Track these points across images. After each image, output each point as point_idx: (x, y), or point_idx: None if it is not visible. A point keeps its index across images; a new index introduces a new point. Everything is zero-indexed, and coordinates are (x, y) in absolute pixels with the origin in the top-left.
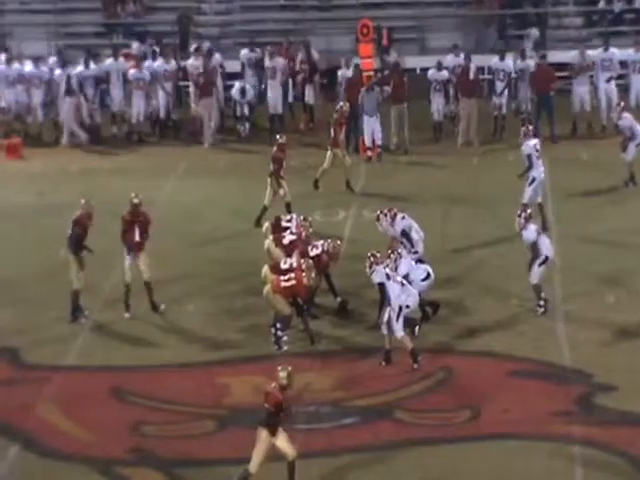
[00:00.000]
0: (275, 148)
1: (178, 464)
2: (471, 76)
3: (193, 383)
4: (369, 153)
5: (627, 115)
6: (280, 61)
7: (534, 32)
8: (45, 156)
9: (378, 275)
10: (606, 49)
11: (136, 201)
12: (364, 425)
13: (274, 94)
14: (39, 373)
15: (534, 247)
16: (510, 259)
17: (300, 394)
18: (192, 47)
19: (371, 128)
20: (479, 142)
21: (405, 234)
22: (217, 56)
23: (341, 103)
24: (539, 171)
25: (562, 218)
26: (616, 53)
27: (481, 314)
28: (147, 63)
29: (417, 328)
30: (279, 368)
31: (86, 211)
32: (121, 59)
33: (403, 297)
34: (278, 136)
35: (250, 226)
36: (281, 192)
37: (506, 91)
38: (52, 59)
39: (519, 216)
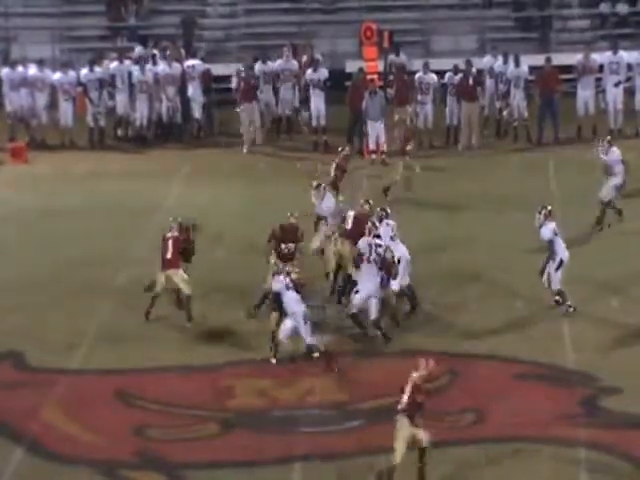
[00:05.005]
0: (340, 157)
1: (182, 467)
2: (470, 82)
3: (197, 386)
4: (373, 156)
5: (615, 150)
6: (295, 63)
7: None
8: (50, 160)
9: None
10: (615, 52)
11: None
12: (369, 428)
13: (285, 96)
14: (44, 376)
15: (550, 246)
16: (515, 262)
17: (304, 397)
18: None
19: (376, 132)
20: (480, 145)
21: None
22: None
23: (340, 148)
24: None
25: (567, 221)
26: (624, 56)
27: (486, 317)
28: (149, 66)
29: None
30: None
31: (181, 229)
32: (126, 62)
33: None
34: (340, 148)
35: (256, 230)
36: (340, 198)
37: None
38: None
39: (539, 212)
